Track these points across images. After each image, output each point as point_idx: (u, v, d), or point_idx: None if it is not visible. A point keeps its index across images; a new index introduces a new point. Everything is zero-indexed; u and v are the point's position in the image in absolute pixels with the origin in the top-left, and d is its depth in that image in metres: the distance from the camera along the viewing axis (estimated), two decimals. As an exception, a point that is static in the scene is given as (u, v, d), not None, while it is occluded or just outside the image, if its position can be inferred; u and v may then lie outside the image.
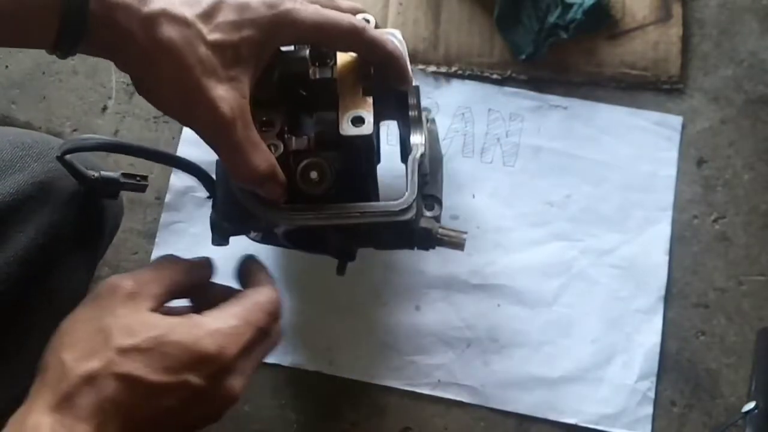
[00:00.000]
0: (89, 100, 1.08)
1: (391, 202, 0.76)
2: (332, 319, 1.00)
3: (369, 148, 0.76)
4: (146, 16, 0.61)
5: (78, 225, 0.76)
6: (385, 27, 1.04)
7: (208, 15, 0.65)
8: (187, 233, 1.02)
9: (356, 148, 0.76)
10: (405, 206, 0.76)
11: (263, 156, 0.69)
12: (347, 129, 0.74)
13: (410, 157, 0.79)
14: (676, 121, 1.03)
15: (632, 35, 1.04)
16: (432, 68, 1.05)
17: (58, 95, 1.08)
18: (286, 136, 0.75)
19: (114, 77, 1.08)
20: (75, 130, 1.07)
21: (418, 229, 0.83)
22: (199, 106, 0.65)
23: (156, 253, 1.02)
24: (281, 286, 1.00)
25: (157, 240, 1.03)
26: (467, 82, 1.05)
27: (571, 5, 1.01)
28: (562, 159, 1.03)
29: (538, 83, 1.05)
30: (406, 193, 0.77)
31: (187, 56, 0.63)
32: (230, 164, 0.70)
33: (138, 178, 0.76)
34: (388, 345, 0.99)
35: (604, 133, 1.03)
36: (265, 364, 0.99)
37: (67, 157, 0.71)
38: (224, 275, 1.00)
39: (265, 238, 0.86)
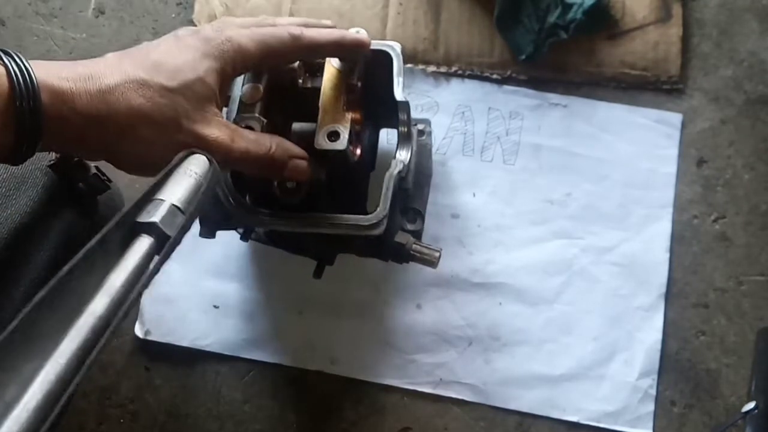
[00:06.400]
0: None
1: (362, 217, 0.78)
2: (333, 318, 1.00)
3: (343, 162, 0.78)
4: (105, 94, 0.60)
5: (89, 234, 0.76)
6: (385, 27, 1.05)
7: (158, 66, 0.64)
8: (188, 233, 1.02)
9: (333, 162, 0.77)
10: (375, 221, 0.78)
11: (269, 142, 0.71)
12: (322, 143, 0.75)
13: (387, 174, 0.80)
14: (676, 118, 1.03)
15: (632, 35, 1.04)
16: (432, 68, 1.05)
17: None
18: None
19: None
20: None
21: (392, 243, 0.85)
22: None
23: (156, 252, 1.02)
24: (281, 286, 1.01)
25: (157, 239, 1.03)
26: (467, 81, 1.05)
27: (571, 5, 1.01)
28: (562, 157, 1.03)
29: (538, 83, 1.05)
30: (378, 209, 0.78)
31: (162, 113, 0.62)
32: (249, 171, 0.72)
33: (105, 178, 0.74)
34: (390, 344, 0.99)
35: (604, 130, 1.03)
36: (266, 364, 1.00)
37: None
38: (224, 275, 1.01)
39: (251, 234, 0.88)
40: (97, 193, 0.75)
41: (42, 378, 0.43)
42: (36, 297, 0.44)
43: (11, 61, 0.56)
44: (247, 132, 0.70)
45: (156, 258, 0.53)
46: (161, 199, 0.54)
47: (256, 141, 0.70)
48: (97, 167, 0.74)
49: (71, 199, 0.73)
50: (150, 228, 0.52)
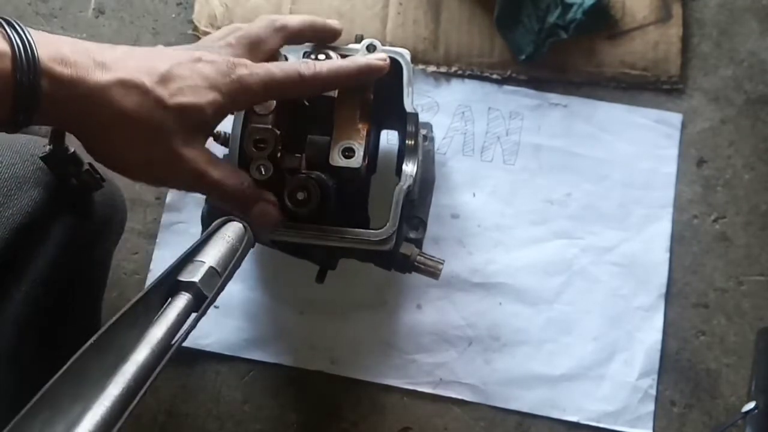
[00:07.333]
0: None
1: (372, 231, 0.78)
2: (333, 318, 1.00)
3: (356, 178, 0.78)
4: (101, 87, 0.61)
5: (91, 233, 0.75)
6: (385, 27, 1.05)
7: (165, 80, 0.64)
8: (188, 233, 1.02)
9: (344, 178, 0.77)
10: (384, 237, 0.78)
11: (241, 177, 0.72)
12: (337, 159, 0.75)
13: (397, 188, 0.80)
14: (676, 118, 1.03)
15: (632, 35, 1.04)
16: (432, 68, 1.05)
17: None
18: (279, 154, 0.75)
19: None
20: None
21: (397, 255, 0.85)
22: (168, 167, 0.67)
23: (157, 253, 1.02)
24: (282, 286, 1.01)
25: (157, 240, 1.03)
26: (467, 81, 1.05)
27: (571, 5, 1.01)
28: (562, 157, 1.03)
29: (538, 83, 1.05)
30: (387, 225, 0.78)
31: (147, 122, 0.63)
32: (219, 202, 0.73)
33: (99, 176, 0.74)
34: (390, 344, 0.99)
35: (604, 130, 1.03)
36: (266, 364, 1.00)
37: None
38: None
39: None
40: (89, 190, 0.75)
41: (89, 420, 0.46)
42: (85, 344, 0.48)
43: (14, 33, 0.59)
44: (224, 163, 0.71)
45: (193, 315, 0.57)
46: (201, 261, 0.59)
47: (231, 173, 0.71)
48: (90, 163, 0.73)
49: (72, 200, 0.73)
50: (190, 287, 0.57)
